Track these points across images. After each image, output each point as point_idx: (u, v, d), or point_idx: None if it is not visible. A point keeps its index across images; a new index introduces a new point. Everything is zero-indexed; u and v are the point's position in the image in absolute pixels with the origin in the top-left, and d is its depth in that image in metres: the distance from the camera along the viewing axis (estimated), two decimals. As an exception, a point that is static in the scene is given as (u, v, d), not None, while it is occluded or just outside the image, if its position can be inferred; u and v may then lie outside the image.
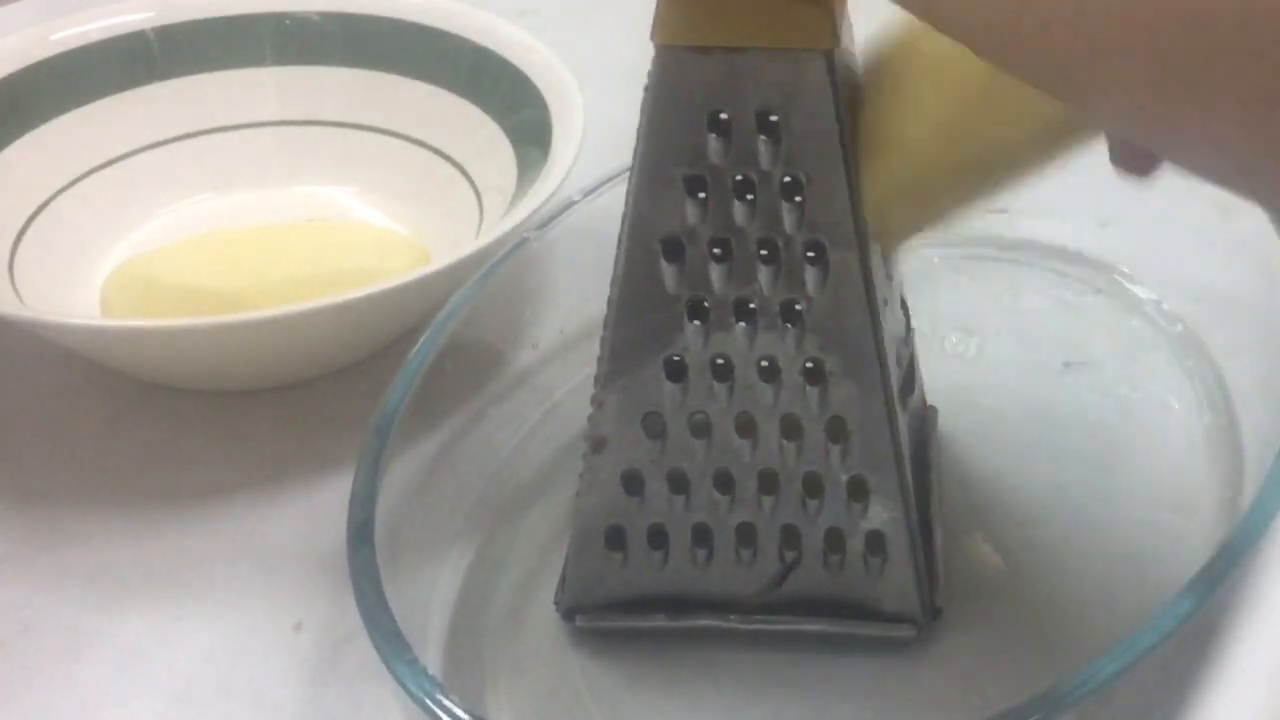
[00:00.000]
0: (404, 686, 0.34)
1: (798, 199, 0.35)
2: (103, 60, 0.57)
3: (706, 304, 0.37)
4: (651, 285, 0.37)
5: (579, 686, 0.39)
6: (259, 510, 0.45)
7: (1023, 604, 0.40)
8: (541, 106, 0.52)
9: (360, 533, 0.38)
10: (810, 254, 0.36)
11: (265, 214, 0.56)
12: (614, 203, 0.48)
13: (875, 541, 0.38)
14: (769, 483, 0.38)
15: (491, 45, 0.55)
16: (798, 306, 0.36)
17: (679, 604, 0.40)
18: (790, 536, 0.39)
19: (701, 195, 0.36)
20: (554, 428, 0.45)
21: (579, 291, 0.49)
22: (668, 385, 0.38)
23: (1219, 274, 0.47)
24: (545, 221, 0.46)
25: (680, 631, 0.40)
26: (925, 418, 0.43)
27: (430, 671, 0.35)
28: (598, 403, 0.38)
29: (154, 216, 0.56)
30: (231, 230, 0.55)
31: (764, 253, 0.36)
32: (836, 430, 0.37)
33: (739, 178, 0.36)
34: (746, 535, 0.39)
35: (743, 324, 0.37)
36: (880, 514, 0.38)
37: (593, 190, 0.47)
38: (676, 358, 0.37)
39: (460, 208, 0.54)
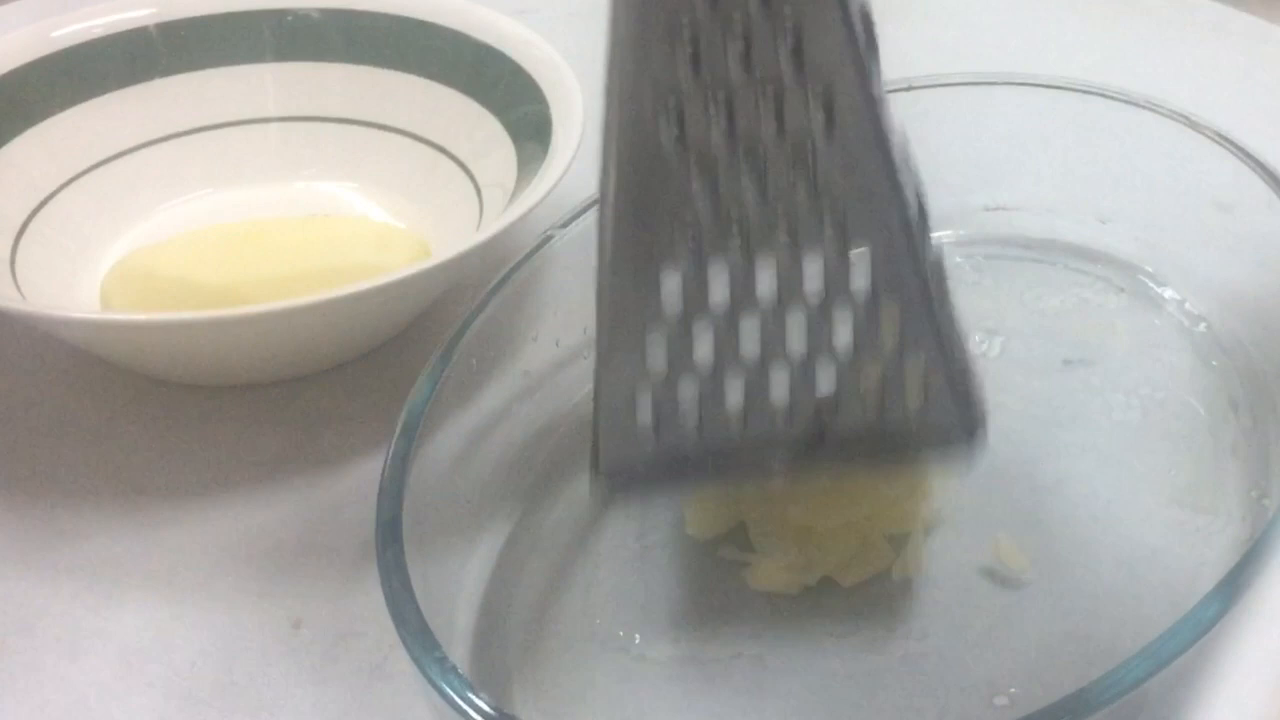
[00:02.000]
0: (434, 685, 0.34)
1: (791, 42, 0.34)
2: (105, 56, 0.57)
3: (711, 159, 0.35)
4: (652, 154, 0.35)
5: (604, 686, 0.39)
6: (258, 507, 0.46)
7: (1044, 603, 0.40)
8: (541, 102, 0.52)
9: (388, 531, 0.38)
10: (811, 98, 0.34)
11: (266, 209, 0.56)
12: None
13: (911, 366, 0.37)
14: (799, 331, 0.37)
15: (492, 41, 0.55)
16: (806, 148, 0.35)
17: (725, 467, 0.38)
18: (825, 379, 0.37)
19: (692, 53, 0.34)
20: (576, 426, 0.45)
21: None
22: (678, 245, 0.36)
23: (1244, 273, 0.47)
24: (569, 219, 0.46)
25: (724, 488, 0.40)
26: (941, 262, 0.40)
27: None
28: (612, 268, 0.36)
29: (155, 212, 0.56)
30: (232, 225, 0.55)
31: (764, 104, 0.34)
32: (856, 261, 0.36)
33: (729, 27, 0.34)
34: (779, 388, 0.37)
35: (749, 174, 0.35)
36: (910, 338, 0.37)
37: None
38: (683, 215, 0.35)
39: (460, 203, 0.54)
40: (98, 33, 0.57)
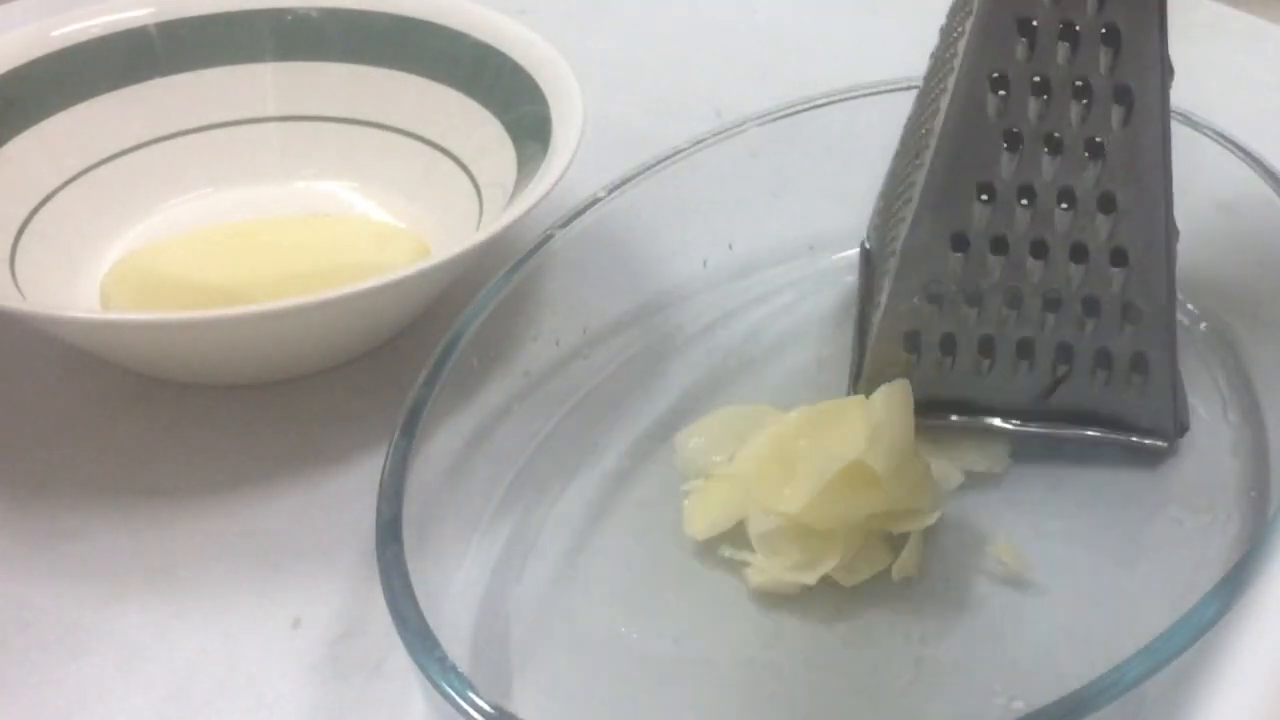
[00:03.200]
0: (434, 685, 0.34)
1: (1112, 45, 0.39)
2: (104, 56, 0.57)
3: (1021, 134, 0.40)
4: (976, 116, 0.40)
5: (604, 686, 0.39)
6: (258, 506, 0.45)
7: (1044, 603, 0.40)
8: (541, 102, 0.52)
9: (388, 531, 0.38)
10: (1117, 94, 0.39)
11: (265, 209, 0.56)
12: (638, 201, 0.49)
13: (1140, 362, 0.42)
14: (1052, 302, 0.42)
15: (491, 40, 0.55)
16: (1099, 140, 0.40)
17: (962, 407, 0.44)
18: (1064, 352, 0.43)
19: (1029, 39, 0.39)
20: (576, 426, 0.45)
21: (602, 289, 0.49)
22: (978, 207, 0.41)
23: (1244, 273, 0.47)
24: (569, 219, 0.46)
25: (969, 428, 0.44)
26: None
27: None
28: (916, 220, 0.42)
29: (155, 211, 0.56)
30: (232, 225, 0.55)
31: (1078, 87, 0.39)
32: (1119, 258, 0.41)
33: (1063, 25, 0.39)
34: (1026, 348, 0.43)
35: (1050, 155, 0.40)
36: (1147, 337, 0.42)
37: (617, 188, 0.47)
38: (989, 183, 0.41)
39: (460, 203, 0.54)
40: (97, 32, 0.57)
